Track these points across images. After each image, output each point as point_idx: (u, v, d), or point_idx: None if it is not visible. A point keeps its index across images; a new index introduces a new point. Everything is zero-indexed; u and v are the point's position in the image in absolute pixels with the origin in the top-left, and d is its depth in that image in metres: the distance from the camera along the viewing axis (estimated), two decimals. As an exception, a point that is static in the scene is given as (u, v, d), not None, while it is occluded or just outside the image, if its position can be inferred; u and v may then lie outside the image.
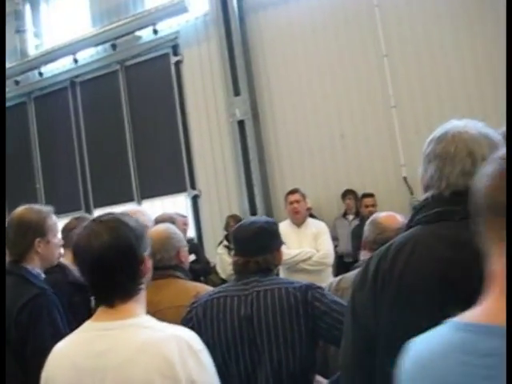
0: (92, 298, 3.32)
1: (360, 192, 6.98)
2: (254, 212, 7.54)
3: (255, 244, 2.18)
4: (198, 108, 8.19)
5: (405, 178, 6.86)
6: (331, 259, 5.12)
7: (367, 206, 6.57)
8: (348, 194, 7.11)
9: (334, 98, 7.35)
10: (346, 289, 2.42)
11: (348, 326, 1.52)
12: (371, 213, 6.60)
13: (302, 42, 7.54)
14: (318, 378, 2.15)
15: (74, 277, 3.29)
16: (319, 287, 2.18)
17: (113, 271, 1.51)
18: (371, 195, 6.67)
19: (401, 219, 2.56)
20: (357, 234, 6.50)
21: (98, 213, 8.97)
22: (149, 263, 1.60)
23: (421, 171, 1.56)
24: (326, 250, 5.08)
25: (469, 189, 1.39)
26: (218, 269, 6.43)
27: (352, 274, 2.53)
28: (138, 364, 1.45)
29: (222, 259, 6.35)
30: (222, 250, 6.44)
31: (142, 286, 1.59)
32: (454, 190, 1.43)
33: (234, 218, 6.73)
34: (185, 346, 1.47)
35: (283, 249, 5.09)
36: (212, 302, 2.17)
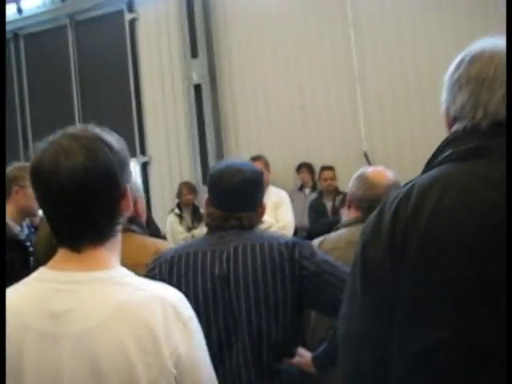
0: (31, 259, 3.01)
1: (318, 165, 6.76)
2: (206, 181, 7.19)
3: (239, 198, 1.86)
4: (152, 70, 7.73)
5: (365, 153, 6.68)
6: (291, 230, 4.90)
7: (326, 180, 6.36)
8: (302, 167, 6.87)
9: (297, 68, 7.06)
10: (330, 251, 2.16)
11: (355, 288, 1.24)
12: (330, 186, 6.48)
13: (266, 8, 7.18)
14: (301, 350, 1.88)
15: (12, 233, 3.00)
16: (308, 243, 1.90)
17: (85, 203, 1.15)
18: (331, 168, 6.46)
19: (391, 175, 2.32)
20: (315, 207, 6.31)
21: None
22: (130, 198, 1.24)
23: (445, 102, 1.29)
24: (286, 220, 4.85)
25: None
26: (168, 238, 6.09)
27: (335, 235, 2.27)
28: (109, 333, 1.12)
29: (173, 228, 6.02)
30: (173, 218, 6.11)
31: (119, 228, 1.24)
32: (494, 121, 1.17)
33: (188, 186, 6.39)
34: (171, 312, 1.16)
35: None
36: (180, 258, 1.84)
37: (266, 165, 5.03)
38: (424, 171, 1.29)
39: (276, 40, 7.13)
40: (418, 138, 6.50)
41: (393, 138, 6.62)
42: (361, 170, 2.37)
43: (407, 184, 1.27)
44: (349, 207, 2.33)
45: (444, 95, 1.31)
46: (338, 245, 2.19)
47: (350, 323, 1.24)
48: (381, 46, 6.69)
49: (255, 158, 5.04)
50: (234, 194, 1.86)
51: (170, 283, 1.82)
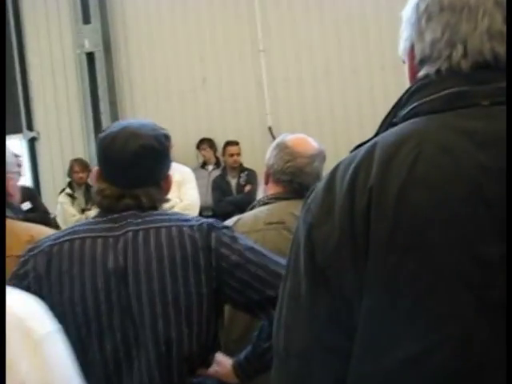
0: None
1: (222, 141, 6.42)
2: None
3: (135, 171, 1.46)
4: (38, 36, 7.01)
5: (270, 128, 6.43)
6: (196, 210, 4.56)
7: (232, 155, 6.03)
8: (203, 143, 6.49)
9: (199, 39, 6.65)
10: (246, 233, 1.84)
11: (297, 285, 0.93)
12: (236, 162, 6.15)
13: (165, -29, 6.71)
14: (219, 356, 1.54)
15: None
16: (227, 226, 1.53)
17: None
18: (236, 143, 6.14)
19: (315, 143, 2.02)
20: (219, 185, 5.99)
21: None
22: None
23: (407, 41, 0.98)
24: (190, 199, 4.50)
25: (498, 57, 0.89)
26: (59, 221, 5.54)
27: (251, 215, 1.94)
28: None
29: (65, 209, 5.49)
30: (64, 198, 5.57)
31: None
32: (477, 61, 0.89)
33: (80, 163, 5.86)
34: (16, 331, 0.82)
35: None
36: (61, 248, 1.43)
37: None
38: (377, 133, 1.00)
39: (177, 8, 6.67)
40: (324, 113, 6.34)
41: (298, 112, 6.41)
42: (280, 138, 2.04)
43: (359, 146, 0.97)
44: (266, 182, 2.01)
45: (405, 33, 1.00)
46: (256, 226, 1.86)
47: (293, 333, 0.92)
48: (286, 16, 6.42)
49: (155, 132, 4.62)
50: (128, 166, 1.46)
51: (48, 282, 1.43)
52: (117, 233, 1.43)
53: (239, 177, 5.98)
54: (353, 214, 0.88)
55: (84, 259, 1.41)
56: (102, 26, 6.61)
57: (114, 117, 6.75)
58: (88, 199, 5.69)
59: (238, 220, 1.92)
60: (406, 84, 1.00)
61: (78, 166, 5.74)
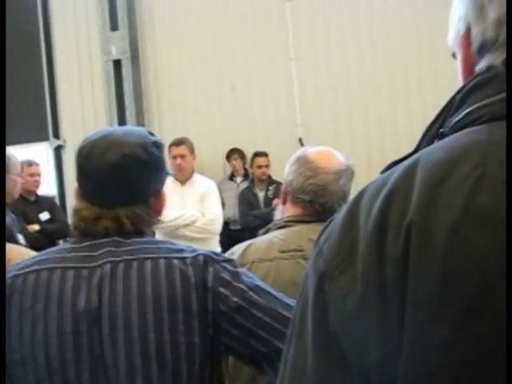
0: None
1: (250, 151, 6.19)
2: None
3: (115, 186, 1.23)
4: (66, 43, 6.91)
5: (300, 139, 6.16)
6: (219, 226, 4.30)
7: (260, 167, 5.78)
8: (233, 153, 6.27)
9: (227, 45, 6.44)
10: (258, 262, 1.58)
11: (302, 357, 0.67)
12: (264, 174, 5.87)
13: (195, -23, 6.53)
14: None
15: None
16: (228, 259, 1.26)
17: None
18: (265, 154, 5.89)
19: (342, 158, 1.74)
20: (246, 197, 5.73)
21: None
22: None
23: (462, 23, 0.71)
24: (213, 214, 4.25)
25: None
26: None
27: (265, 241, 1.68)
28: None
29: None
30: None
31: None
32: None
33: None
34: None
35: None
36: (25, 280, 1.19)
37: (191, 150, 4.40)
38: (418, 147, 0.74)
39: (206, 14, 6.48)
40: (357, 125, 6.05)
41: (330, 124, 6.12)
42: (301, 151, 1.77)
43: (393, 165, 0.71)
44: (284, 201, 1.75)
45: (457, 13, 0.74)
46: (269, 254, 1.59)
47: None
48: (319, 22, 6.16)
49: (178, 143, 4.41)
50: (106, 180, 1.22)
51: (8, 320, 1.19)
52: (93, 264, 1.18)
53: (267, 189, 5.72)
54: (383, 263, 0.62)
55: (50, 295, 1.16)
56: (130, 33, 6.46)
57: (140, 126, 6.58)
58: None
59: (250, 245, 1.65)
60: (448, 92, 0.74)
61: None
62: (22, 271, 1.20)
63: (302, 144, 6.07)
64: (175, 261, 1.18)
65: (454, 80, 0.78)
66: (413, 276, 0.60)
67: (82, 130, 6.88)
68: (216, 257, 1.22)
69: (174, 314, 1.14)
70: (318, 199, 1.65)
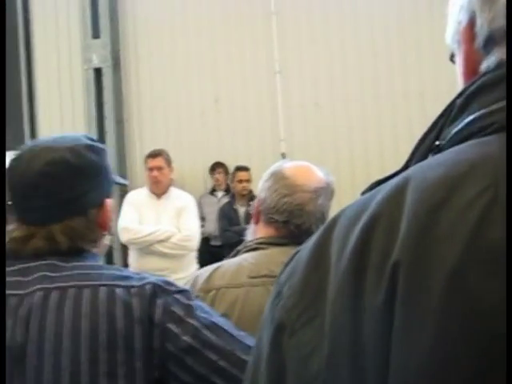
0: None
1: (232, 166, 6.03)
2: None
3: (44, 198, 1.06)
4: (46, 49, 6.72)
5: (283, 155, 6.01)
6: (195, 242, 4.13)
7: (241, 181, 5.62)
8: (218, 167, 6.11)
9: (211, 57, 6.30)
10: (225, 289, 1.42)
11: None
12: (245, 189, 5.70)
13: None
14: None
15: None
16: (182, 290, 1.08)
17: None
18: (246, 169, 5.73)
19: (321, 174, 1.58)
20: (226, 213, 5.56)
21: None
22: None
23: (465, 13, 0.57)
24: (189, 230, 4.08)
25: None
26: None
27: (234, 265, 1.51)
28: None
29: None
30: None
31: None
32: None
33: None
34: None
35: (132, 224, 3.98)
36: None
37: (168, 162, 4.24)
38: (408, 164, 0.59)
39: (190, 25, 6.34)
40: (342, 142, 5.93)
41: (314, 140, 5.99)
42: (276, 166, 1.59)
43: (376, 185, 0.57)
44: (256, 221, 1.58)
45: (457, 3, 0.59)
46: (237, 279, 1.42)
47: None
48: (305, 36, 6.05)
49: (155, 154, 4.25)
50: (31, 191, 1.06)
51: None
52: (22, 291, 1.01)
53: (248, 205, 5.56)
54: (359, 313, 0.47)
55: None
56: (112, 41, 6.29)
57: (120, 136, 6.42)
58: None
59: (216, 269, 1.48)
60: (434, 112, 0.59)
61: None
62: None
63: (284, 159, 5.94)
64: (118, 290, 1.01)
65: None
66: (400, 334, 0.45)
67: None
68: (167, 287, 1.05)
69: (113, 353, 0.97)
70: (293, 220, 1.48)
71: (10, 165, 1.08)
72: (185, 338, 1.00)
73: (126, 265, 5.50)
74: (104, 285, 1.01)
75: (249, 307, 1.38)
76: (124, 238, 4.06)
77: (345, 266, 0.49)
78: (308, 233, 1.49)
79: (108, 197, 1.15)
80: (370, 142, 5.85)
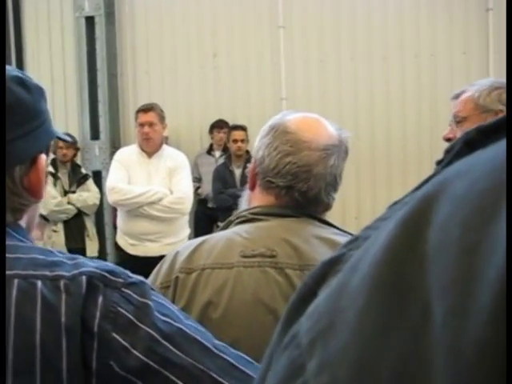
0: None
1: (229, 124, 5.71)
2: (96, 135, 6.00)
3: None
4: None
5: (284, 115, 5.70)
6: (188, 205, 3.85)
7: (236, 141, 5.30)
8: (221, 125, 5.76)
9: (211, 8, 5.91)
10: (211, 270, 1.15)
11: None
12: (240, 149, 5.38)
13: None
14: None
15: None
16: (134, 282, 0.77)
17: None
18: (242, 128, 5.39)
19: (333, 130, 1.28)
20: (220, 174, 5.26)
21: None
22: None
23: None
24: (182, 191, 3.80)
25: None
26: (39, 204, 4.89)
27: (222, 239, 1.21)
28: None
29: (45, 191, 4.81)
30: (45, 178, 4.90)
31: None
32: None
33: (65, 139, 5.18)
34: None
35: (120, 184, 3.69)
36: None
37: (161, 118, 3.91)
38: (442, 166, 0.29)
39: (189, -27, 5.95)
40: (347, 101, 5.61)
41: (317, 100, 5.67)
42: (276, 118, 1.29)
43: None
44: (252, 186, 1.30)
45: None
46: (226, 258, 1.14)
47: None
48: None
49: (146, 109, 3.91)
50: None
51: None
52: None
53: (244, 167, 5.26)
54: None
55: None
56: (105, -12, 5.89)
57: (113, 91, 6.08)
58: (72, 180, 5.04)
59: (201, 245, 1.19)
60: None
61: (64, 141, 5.05)
62: None
63: (286, 120, 5.63)
64: (40, 283, 0.72)
65: None
66: None
67: (50, 92, 6.34)
68: (112, 277, 0.75)
69: (26, 379, 0.68)
70: (297, 185, 1.19)
71: None
72: (136, 353, 0.71)
73: (115, 227, 5.26)
74: (19, 276, 0.72)
75: (241, 293, 1.10)
76: (112, 198, 3.78)
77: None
78: (316, 201, 1.21)
79: (42, 152, 0.86)
80: (377, 104, 5.53)
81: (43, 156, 0.85)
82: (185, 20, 5.96)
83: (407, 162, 5.44)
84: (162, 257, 4.00)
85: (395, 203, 0.30)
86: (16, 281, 0.71)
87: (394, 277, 0.23)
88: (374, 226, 0.28)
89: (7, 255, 0.74)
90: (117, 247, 4.13)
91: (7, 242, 0.77)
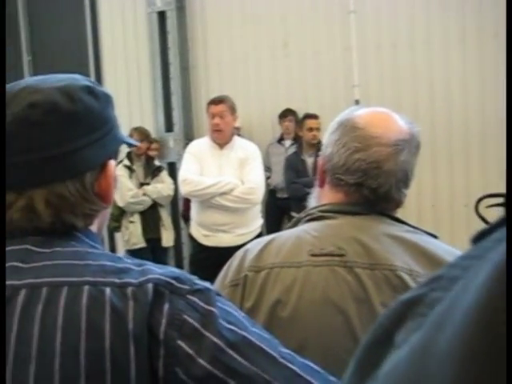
0: None
1: (301, 113, 5.67)
2: (170, 127, 6.12)
3: (22, 153, 0.78)
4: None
5: (357, 102, 5.59)
6: (259, 195, 3.85)
7: (311, 129, 5.23)
8: (288, 114, 5.75)
9: (280, -3, 5.89)
10: (280, 269, 1.13)
11: None
12: (315, 138, 5.35)
13: None
14: None
15: None
16: (200, 288, 0.77)
17: None
18: (315, 117, 5.33)
19: (403, 124, 1.22)
20: (292, 164, 5.23)
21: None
22: None
23: None
24: (253, 182, 3.81)
25: None
26: (115, 196, 5.04)
27: (291, 236, 1.20)
28: None
29: (121, 183, 4.97)
30: (121, 170, 5.05)
31: None
32: None
33: (140, 132, 5.31)
34: None
35: (192, 176, 3.75)
36: None
37: (232, 109, 3.93)
38: None
39: (258, -38, 5.93)
40: (422, 87, 5.44)
41: (390, 86, 5.53)
42: (345, 114, 1.25)
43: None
44: (321, 183, 1.27)
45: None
46: (295, 257, 1.12)
47: None
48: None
49: (217, 101, 3.94)
50: (8, 144, 0.77)
51: None
52: (17, 283, 0.74)
53: (317, 155, 5.21)
54: None
55: None
56: (175, -18, 5.97)
57: (185, 83, 6.17)
58: (147, 172, 5.17)
59: (270, 243, 1.18)
60: None
61: (138, 134, 5.18)
62: None
63: (358, 107, 5.52)
64: (108, 289, 0.73)
65: None
66: None
67: (125, 87, 6.52)
68: (178, 285, 0.75)
69: (98, 383, 0.69)
70: (368, 182, 1.16)
71: None
72: (202, 361, 0.70)
73: (187, 218, 5.34)
74: (89, 282, 0.73)
75: (309, 293, 1.09)
76: (184, 190, 3.85)
77: None
78: (387, 198, 1.18)
79: (111, 158, 0.87)
80: (454, 89, 5.33)
81: (112, 162, 0.86)
82: (254, 10, 5.95)
83: (486, 146, 5.23)
84: (234, 247, 3.99)
85: (481, 235, 0.27)
86: (86, 287, 0.73)
87: (491, 347, 0.20)
88: (461, 265, 0.25)
89: (77, 262, 0.76)
90: (191, 237, 4.20)
91: (78, 248, 0.79)
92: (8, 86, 0.81)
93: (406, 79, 5.49)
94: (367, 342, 0.27)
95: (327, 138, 1.25)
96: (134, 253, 4.72)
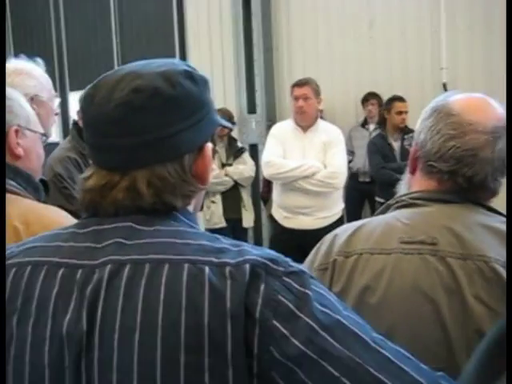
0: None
1: (385, 97, 5.55)
2: (252, 108, 6.16)
3: (127, 135, 0.81)
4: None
5: (444, 85, 5.42)
6: (342, 180, 3.83)
7: (400, 113, 5.04)
8: (371, 97, 5.66)
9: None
10: (369, 255, 1.13)
11: None
12: (404, 121, 5.10)
13: None
14: None
15: None
16: (295, 270, 0.78)
17: None
18: (403, 99, 5.13)
19: (500, 110, 1.19)
20: (379, 148, 5.12)
21: (74, 96, 7.68)
22: None
23: None
24: (336, 166, 3.79)
25: None
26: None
27: (381, 223, 1.19)
28: None
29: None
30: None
31: None
32: None
33: (223, 113, 5.37)
34: None
35: (275, 158, 3.77)
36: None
37: (316, 92, 3.90)
38: None
39: None
40: (515, 69, 5.18)
41: (481, 69, 5.30)
42: (439, 99, 1.22)
43: None
44: (413, 170, 1.26)
45: None
46: (385, 244, 1.12)
47: None
48: None
49: (301, 83, 3.92)
50: (112, 128, 0.81)
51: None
52: (92, 261, 0.79)
53: (403, 139, 5.08)
54: None
55: (27, 306, 0.79)
56: (261, -36, 5.97)
57: (269, 65, 6.19)
58: (229, 153, 5.24)
59: (359, 228, 1.18)
60: None
61: (221, 115, 5.23)
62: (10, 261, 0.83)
63: (445, 90, 5.34)
64: (208, 268, 0.75)
65: None
66: None
67: (209, 68, 6.61)
68: (274, 266, 0.76)
69: (196, 356, 0.72)
70: (462, 169, 1.13)
71: (86, 93, 0.85)
72: (296, 341, 0.71)
73: (266, 199, 5.36)
74: (189, 260, 0.76)
75: (399, 280, 1.09)
76: (267, 172, 3.88)
77: None
78: (482, 187, 1.15)
79: (207, 141, 0.89)
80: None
81: (209, 144, 0.89)
82: (340, -10, 5.86)
83: None
84: (315, 230, 3.97)
85: None
86: (186, 265, 0.75)
87: None
88: None
89: (177, 240, 0.80)
90: (271, 219, 4.23)
91: (177, 228, 0.82)
92: (108, 74, 0.85)
93: (497, 60, 5.25)
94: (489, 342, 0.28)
95: (420, 124, 1.23)
96: (214, 232, 4.76)
